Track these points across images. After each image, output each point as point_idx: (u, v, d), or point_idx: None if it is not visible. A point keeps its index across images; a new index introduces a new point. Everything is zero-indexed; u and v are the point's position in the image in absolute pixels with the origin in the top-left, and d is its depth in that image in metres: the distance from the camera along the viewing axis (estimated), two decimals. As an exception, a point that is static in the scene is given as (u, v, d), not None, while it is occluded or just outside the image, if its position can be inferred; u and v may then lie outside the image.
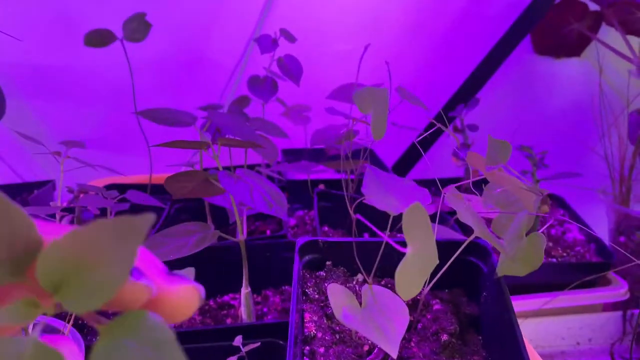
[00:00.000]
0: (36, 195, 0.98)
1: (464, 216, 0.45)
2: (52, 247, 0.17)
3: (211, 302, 0.74)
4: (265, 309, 0.73)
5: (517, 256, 0.46)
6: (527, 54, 1.26)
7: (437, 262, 0.40)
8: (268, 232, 0.89)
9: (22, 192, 1.01)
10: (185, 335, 0.60)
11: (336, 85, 0.98)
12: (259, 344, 0.52)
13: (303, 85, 0.92)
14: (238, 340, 0.53)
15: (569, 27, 1.18)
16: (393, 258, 0.45)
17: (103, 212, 0.87)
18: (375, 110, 0.39)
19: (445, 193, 0.45)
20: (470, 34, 1.22)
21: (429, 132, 0.55)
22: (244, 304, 0.62)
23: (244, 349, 0.52)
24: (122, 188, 0.82)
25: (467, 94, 1.22)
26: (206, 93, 1.20)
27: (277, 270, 0.75)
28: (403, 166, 1.30)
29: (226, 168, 0.61)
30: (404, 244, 0.39)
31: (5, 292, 0.19)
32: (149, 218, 0.16)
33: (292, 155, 1.08)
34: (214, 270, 0.74)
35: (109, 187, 1.13)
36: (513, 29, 1.20)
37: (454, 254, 0.49)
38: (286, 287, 0.77)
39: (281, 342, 0.56)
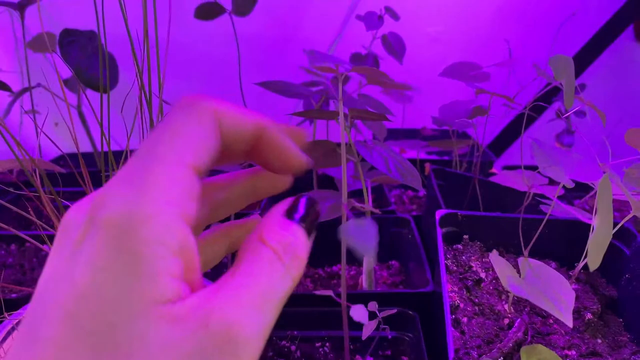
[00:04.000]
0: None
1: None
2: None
3: (320, 271, 0.76)
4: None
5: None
6: (629, 41, 1.20)
7: (611, 237, 0.39)
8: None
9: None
10: (307, 298, 0.62)
11: (425, 66, 0.97)
12: (395, 310, 0.53)
13: (394, 64, 0.91)
14: (373, 306, 0.54)
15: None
16: (530, 235, 0.46)
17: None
18: (567, 79, 0.39)
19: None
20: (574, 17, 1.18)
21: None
22: (366, 273, 0.64)
23: (380, 315, 0.53)
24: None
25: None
26: (298, 70, 1.22)
27: (384, 246, 0.76)
28: (497, 147, 1.28)
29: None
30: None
31: None
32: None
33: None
34: (324, 241, 0.76)
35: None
36: (617, 16, 1.15)
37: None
38: (393, 262, 0.78)
39: (410, 312, 0.57)
